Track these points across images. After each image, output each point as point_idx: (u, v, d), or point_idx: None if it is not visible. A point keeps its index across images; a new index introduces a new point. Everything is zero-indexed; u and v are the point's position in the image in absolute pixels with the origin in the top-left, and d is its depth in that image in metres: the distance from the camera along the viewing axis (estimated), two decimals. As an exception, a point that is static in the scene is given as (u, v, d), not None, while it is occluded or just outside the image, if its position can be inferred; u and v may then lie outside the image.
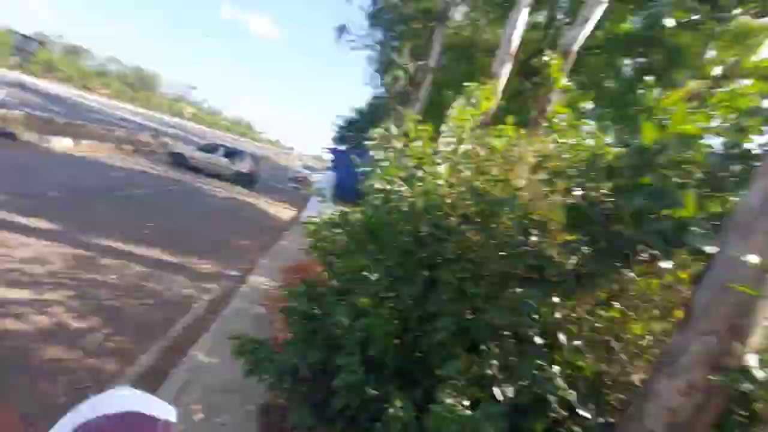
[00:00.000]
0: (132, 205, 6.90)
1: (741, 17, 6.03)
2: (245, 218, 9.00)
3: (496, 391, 1.39)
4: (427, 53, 9.87)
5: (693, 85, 5.09)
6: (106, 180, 8.17)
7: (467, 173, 2.19)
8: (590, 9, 4.04)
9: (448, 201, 2.09)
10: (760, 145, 1.46)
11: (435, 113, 6.13)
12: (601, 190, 1.58)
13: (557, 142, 2.09)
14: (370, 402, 1.57)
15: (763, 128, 1.44)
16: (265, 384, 1.98)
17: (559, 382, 1.37)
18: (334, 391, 1.64)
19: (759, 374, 1.10)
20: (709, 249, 1.27)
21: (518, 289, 1.59)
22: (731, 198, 1.43)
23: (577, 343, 1.54)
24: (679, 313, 1.46)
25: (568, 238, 1.60)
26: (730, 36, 6.18)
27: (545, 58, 2.56)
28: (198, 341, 3.18)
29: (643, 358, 1.58)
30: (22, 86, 21.55)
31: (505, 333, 1.56)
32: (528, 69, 7.51)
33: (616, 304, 1.61)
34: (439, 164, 2.24)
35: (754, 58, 5.96)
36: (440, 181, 2.16)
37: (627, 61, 7.90)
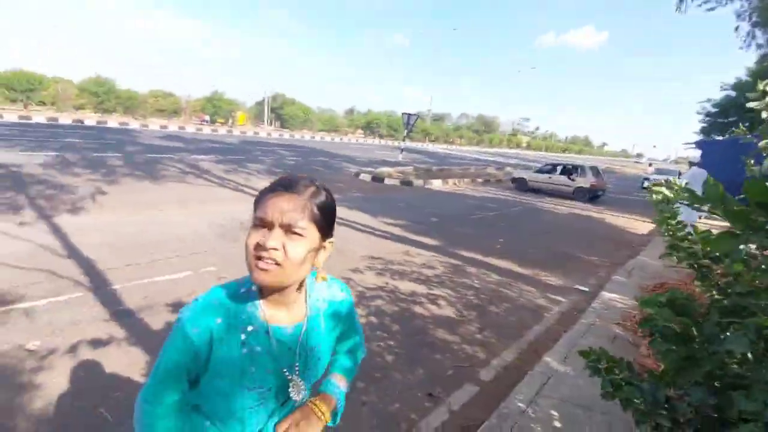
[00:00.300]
0: (484, 225, 8.00)
1: None
2: (589, 233, 8.39)
3: None
4: None
5: None
6: (464, 207, 9.93)
7: None
8: None
9: None
10: None
11: None
12: None
13: None
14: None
15: None
16: (635, 416, 1.68)
17: None
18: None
19: None
20: None
21: None
22: None
23: None
24: None
25: None
26: None
27: None
28: (552, 348, 3.18)
29: None
30: (408, 149, 30.24)
31: None
32: None
33: None
34: None
35: None
36: None
37: None
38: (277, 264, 0.74)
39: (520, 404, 2.40)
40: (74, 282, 3.52)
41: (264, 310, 0.83)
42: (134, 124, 23.59)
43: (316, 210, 0.78)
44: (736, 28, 14.83)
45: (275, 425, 0.89)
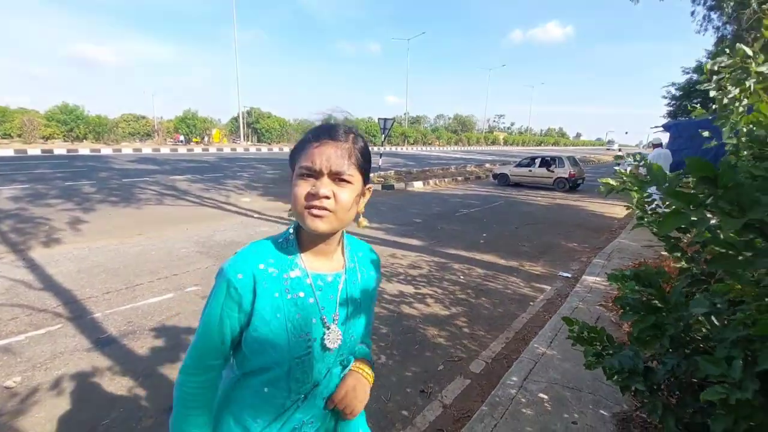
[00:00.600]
0: (467, 221, 8.09)
1: None
2: (569, 221, 8.59)
3: None
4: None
5: None
6: (447, 206, 10.04)
7: None
8: None
9: None
10: None
11: None
12: None
13: None
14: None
15: None
16: (616, 385, 1.74)
17: None
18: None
19: None
20: None
21: None
22: None
23: None
24: None
25: None
26: None
27: None
28: (538, 333, 3.25)
29: None
30: (387, 154, 30.39)
31: None
32: None
33: None
34: None
35: None
36: None
37: None
38: (329, 211, 0.77)
39: (510, 391, 2.45)
40: (53, 314, 3.43)
41: (304, 259, 0.85)
42: (106, 150, 23.03)
43: (359, 156, 0.81)
44: (692, 13, 15.49)
45: (327, 400, 0.90)
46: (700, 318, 1.36)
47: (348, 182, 0.79)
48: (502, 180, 15.46)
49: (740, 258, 1.00)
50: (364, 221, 0.92)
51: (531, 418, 2.21)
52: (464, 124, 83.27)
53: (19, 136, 25.10)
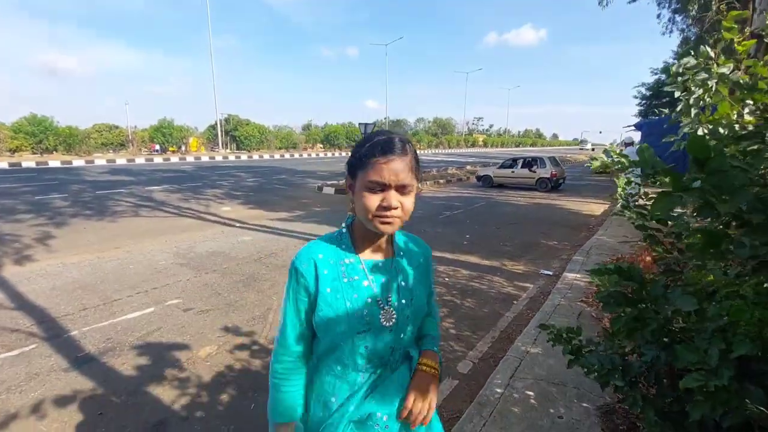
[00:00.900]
0: (450, 223, 8.18)
1: None
2: (549, 219, 8.79)
3: None
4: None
5: None
6: (430, 208, 10.12)
7: None
8: None
9: None
10: None
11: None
12: None
13: None
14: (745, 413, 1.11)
15: None
16: (594, 378, 1.80)
17: None
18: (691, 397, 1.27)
19: None
20: None
21: None
22: None
23: None
24: None
25: None
26: None
27: None
28: (523, 332, 3.31)
29: None
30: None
31: None
32: None
33: None
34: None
35: None
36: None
37: None
38: (397, 217, 0.88)
39: (497, 390, 2.49)
40: (26, 334, 3.30)
41: (357, 249, 0.97)
42: (78, 162, 22.29)
43: (416, 164, 0.92)
44: (658, 16, 16.13)
45: (399, 406, 0.95)
46: (677, 308, 1.41)
47: (411, 191, 0.90)
48: (486, 182, 15.67)
49: (721, 248, 1.05)
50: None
51: (519, 415, 2.25)
52: (444, 127, 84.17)
53: (-16, 149, 24.07)
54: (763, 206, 0.94)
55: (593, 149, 34.04)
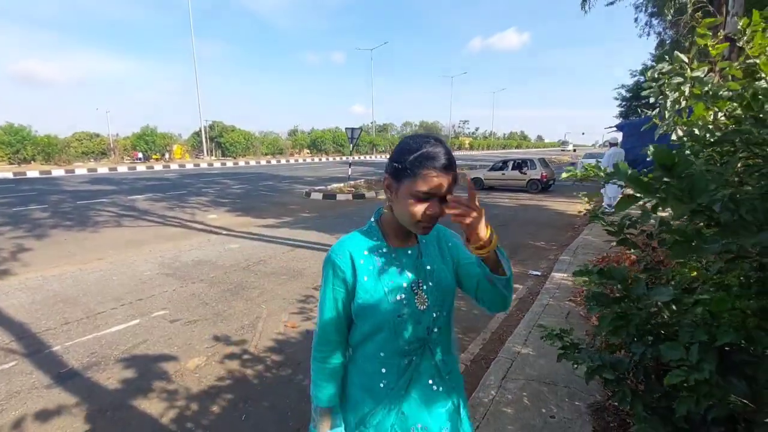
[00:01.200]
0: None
1: None
2: (536, 220, 8.90)
3: None
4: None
5: None
6: (418, 212, 10.15)
7: None
8: None
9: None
10: None
11: None
12: None
13: None
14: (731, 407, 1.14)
15: None
16: (585, 376, 1.82)
17: None
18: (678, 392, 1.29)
19: None
20: None
21: None
22: None
23: None
24: None
25: None
26: None
27: None
28: (513, 332, 3.34)
29: None
30: (357, 163, 30.43)
31: None
32: None
33: None
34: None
35: None
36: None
37: None
38: (436, 221, 0.95)
39: (491, 391, 2.50)
40: (5, 350, 3.19)
41: (388, 238, 1.03)
42: (58, 171, 21.75)
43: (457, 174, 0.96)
44: (636, 19, 16.59)
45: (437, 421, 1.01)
46: (659, 304, 1.45)
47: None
48: (477, 184, 15.77)
49: (693, 244, 1.09)
50: None
51: (511, 416, 2.26)
52: (430, 130, 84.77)
53: (-42, 160, 23.32)
54: (735, 206, 0.98)
55: (574, 150, 34.95)
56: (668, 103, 1.85)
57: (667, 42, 16.02)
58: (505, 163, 15.43)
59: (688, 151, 1.87)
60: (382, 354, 0.99)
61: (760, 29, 1.58)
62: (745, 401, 1.14)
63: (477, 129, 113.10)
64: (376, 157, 47.76)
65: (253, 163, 32.60)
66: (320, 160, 39.85)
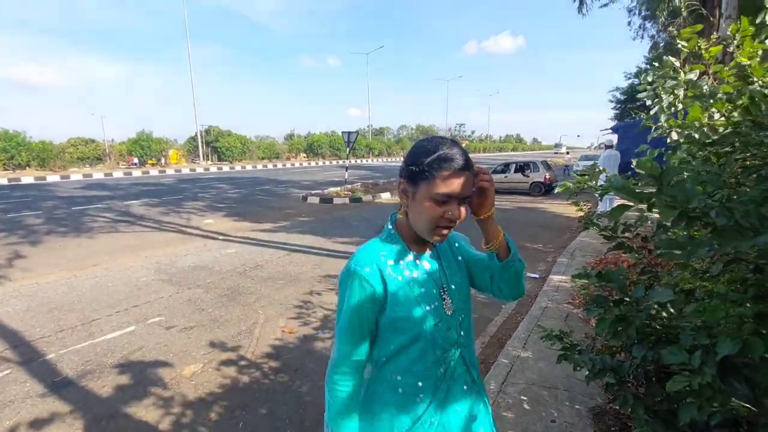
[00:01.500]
0: (437, 230, 8.21)
1: None
2: (533, 223, 8.92)
3: None
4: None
5: None
6: (415, 215, 10.15)
7: None
8: None
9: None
10: None
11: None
12: None
13: None
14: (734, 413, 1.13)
15: None
16: (586, 380, 1.81)
17: None
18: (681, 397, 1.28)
19: None
20: None
21: None
22: None
23: None
24: None
25: None
26: None
27: None
28: (512, 336, 3.33)
29: None
30: (353, 167, 30.41)
31: None
32: None
33: None
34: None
35: None
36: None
37: None
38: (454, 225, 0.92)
39: (491, 395, 2.48)
40: (-2, 359, 3.15)
41: (408, 244, 0.98)
42: (53, 177, 21.60)
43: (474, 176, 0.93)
44: (629, 23, 16.74)
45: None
46: (656, 307, 1.44)
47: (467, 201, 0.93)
48: None
49: (687, 249, 1.09)
50: None
51: (512, 420, 2.25)
52: (427, 133, 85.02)
53: (-48, 167, 23.13)
54: (730, 212, 0.98)
55: (568, 152, 35.53)
56: (662, 106, 1.85)
57: (661, 45, 16.17)
58: (507, 165, 15.13)
59: (684, 153, 1.88)
60: (417, 367, 0.93)
61: (750, 35, 1.58)
62: (747, 405, 1.13)
63: (473, 132, 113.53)
64: (372, 160, 47.78)
65: (249, 167, 32.53)
66: (317, 164, 39.83)
